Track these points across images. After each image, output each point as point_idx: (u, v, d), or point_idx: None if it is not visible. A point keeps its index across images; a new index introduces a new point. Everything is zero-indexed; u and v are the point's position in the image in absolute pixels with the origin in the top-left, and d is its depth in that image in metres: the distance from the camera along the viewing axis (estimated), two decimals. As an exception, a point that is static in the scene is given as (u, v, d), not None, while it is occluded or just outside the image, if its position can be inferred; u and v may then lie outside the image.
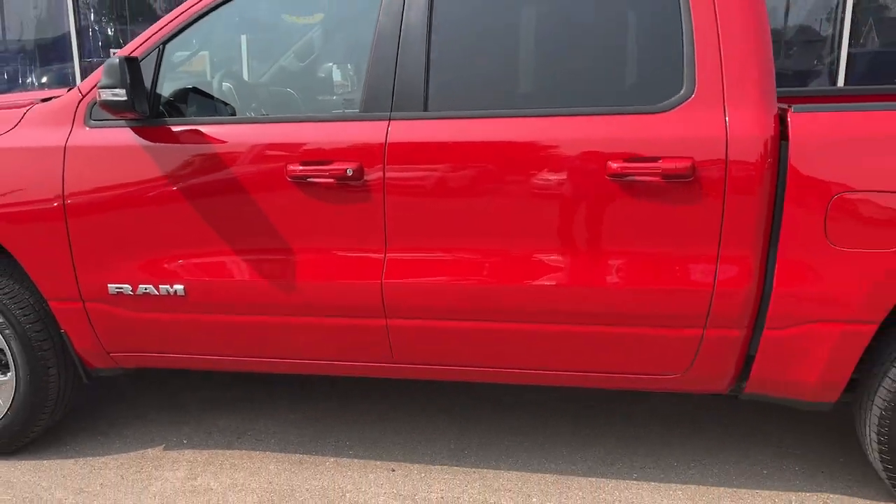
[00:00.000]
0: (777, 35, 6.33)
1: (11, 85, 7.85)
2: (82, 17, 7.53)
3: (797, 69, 6.55)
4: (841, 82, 6.34)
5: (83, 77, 7.50)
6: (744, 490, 2.74)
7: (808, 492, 2.73)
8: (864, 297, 2.36)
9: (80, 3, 7.48)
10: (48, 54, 7.81)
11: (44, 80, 7.57)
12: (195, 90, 2.97)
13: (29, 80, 7.85)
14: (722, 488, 2.75)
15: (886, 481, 2.56)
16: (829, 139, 2.36)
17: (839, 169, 2.33)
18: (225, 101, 3.05)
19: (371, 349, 2.73)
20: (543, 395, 3.48)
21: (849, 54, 6.33)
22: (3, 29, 7.98)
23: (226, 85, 3.09)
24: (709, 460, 2.94)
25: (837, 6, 6.33)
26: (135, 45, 2.73)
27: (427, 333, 2.66)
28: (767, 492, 2.73)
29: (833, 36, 6.36)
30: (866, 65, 6.40)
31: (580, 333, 2.57)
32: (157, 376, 3.66)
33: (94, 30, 7.55)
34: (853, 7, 6.21)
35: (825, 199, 2.33)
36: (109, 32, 7.61)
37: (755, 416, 3.24)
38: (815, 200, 2.34)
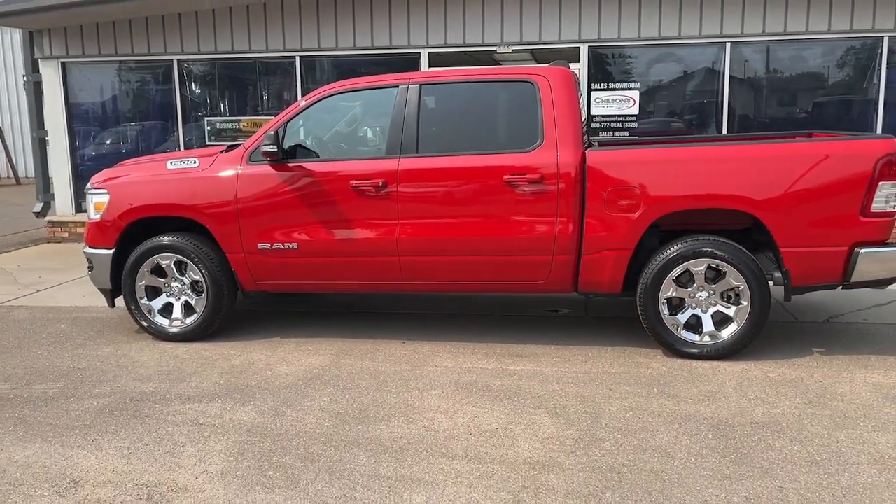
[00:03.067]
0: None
1: (149, 144, 10.71)
2: (185, 91, 10.41)
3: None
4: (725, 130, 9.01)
5: (184, 136, 10.39)
6: (555, 346, 5.32)
7: (613, 346, 5.30)
8: (622, 237, 4.97)
9: (183, 80, 10.36)
10: (157, 121, 10.69)
11: (188, 138, 10.37)
12: (299, 145, 5.65)
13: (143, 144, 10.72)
14: (553, 346, 5.33)
15: (648, 332, 5.11)
16: (604, 163, 5.00)
17: (609, 176, 4.97)
18: (313, 150, 5.73)
19: (391, 273, 5.36)
20: (466, 305, 6.09)
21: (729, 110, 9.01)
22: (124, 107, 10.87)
23: (313, 141, 5.78)
24: (557, 343, 5.53)
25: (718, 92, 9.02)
26: (273, 125, 5.44)
27: (417, 263, 5.30)
28: (587, 347, 5.31)
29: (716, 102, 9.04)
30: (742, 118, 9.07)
31: (494, 261, 5.19)
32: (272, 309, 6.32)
33: (195, 104, 10.40)
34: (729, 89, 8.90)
35: (604, 190, 4.96)
36: (205, 102, 10.45)
37: (589, 326, 5.80)
38: (599, 191, 4.97)
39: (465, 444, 3.77)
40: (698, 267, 4.94)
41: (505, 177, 5.06)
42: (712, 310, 5.01)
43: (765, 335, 5.35)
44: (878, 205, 4.74)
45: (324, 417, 4.14)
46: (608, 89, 9.36)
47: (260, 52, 10.02)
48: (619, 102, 9.36)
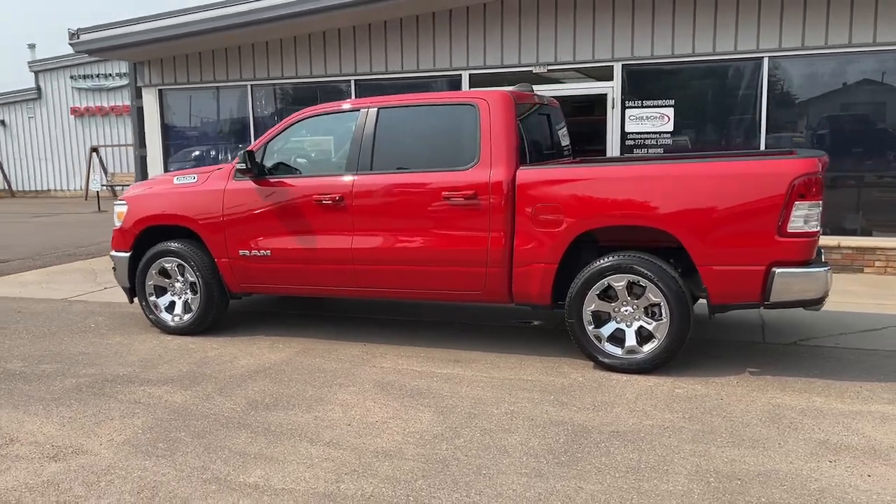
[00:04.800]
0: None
1: (228, 159, 11.91)
2: (257, 112, 11.47)
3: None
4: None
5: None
6: (496, 353, 5.57)
7: (553, 356, 5.50)
8: (548, 252, 5.20)
9: (255, 103, 11.42)
10: (234, 138, 11.83)
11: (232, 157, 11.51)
12: (281, 163, 6.28)
13: (222, 157, 11.89)
14: (494, 354, 5.60)
15: (574, 344, 5.28)
16: (531, 180, 5.25)
17: (536, 194, 5.22)
18: (288, 167, 6.31)
19: (347, 280, 5.86)
20: (415, 312, 6.44)
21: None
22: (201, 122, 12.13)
23: (289, 160, 6.36)
24: (501, 351, 5.78)
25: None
26: (255, 144, 6.13)
27: (369, 272, 5.77)
28: (526, 356, 5.54)
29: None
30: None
31: (435, 271, 5.57)
32: (255, 309, 7.00)
33: (265, 123, 11.43)
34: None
35: (531, 206, 5.22)
36: (274, 121, 11.46)
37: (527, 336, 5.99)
38: (527, 207, 5.24)
39: (336, 432, 4.20)
40: (619, 282, 5.08)
41: (444, 193, 5.44)
42: (636, 325, 5.12)
43: (711, 353, 5.39)
44: (795, 224, 4.69)
45: (241, 404, 4.71)
46: (642, 107, 9.39)
47: (319, 77, 10.88)
48: (653, 120, 9.37)
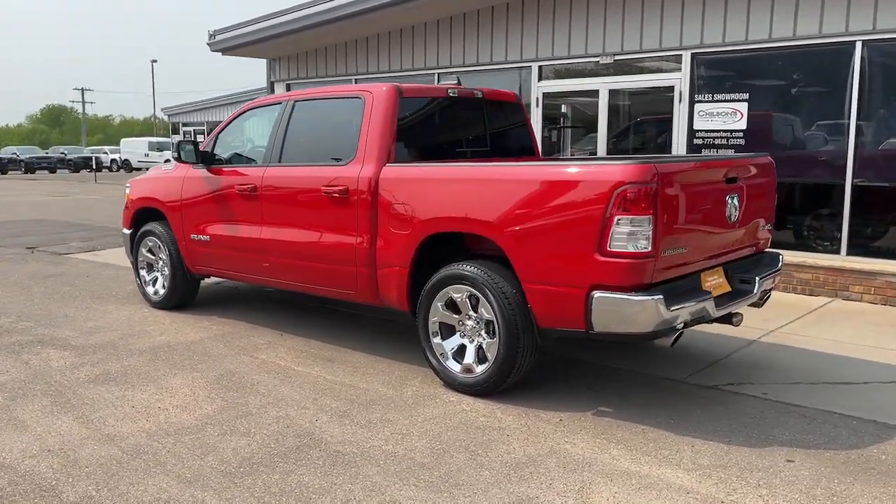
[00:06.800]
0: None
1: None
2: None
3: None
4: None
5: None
6: (364, 354, 5.29)
7: (413, 364, 5.16)
8: (400, 255, 4.89)
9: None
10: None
11: None
12: (234, 154, 6.54)
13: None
14: (363, 355, 5.34)
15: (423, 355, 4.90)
16: (389, 179, 4.96)
17: (392, 193, 4.93)
18: (232, 158, 6.48)
19: (262, 269, 5.98)
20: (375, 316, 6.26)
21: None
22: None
23: (232, 151, 6.55)
24: (376, 355, 5.51)
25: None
26: (207, 140, 6.48)
27: (277, 263, 5.83)
28: (391, 361, 5.25)
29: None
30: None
31: (319, 268, 5.48)
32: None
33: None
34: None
35: (388, 206, 4.94)
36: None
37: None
38: (385, 207, 4.97)
39: (111, 411, 4.38)
40: (459, 294, 4.63)
41: (323, 189, 5.34)
42: (478, 341, 4.64)
43: (593, 385, 4.77)
44: (617, 242, 3.92)
45: (94, 374, 5.08)
46: (712, 100, 8.25)
47: (408, 71, 11.03)
48: (724, 116, 8.19)
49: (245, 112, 6.38)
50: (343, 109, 5.52)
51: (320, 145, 5.67)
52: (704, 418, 4.26)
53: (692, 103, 8.37)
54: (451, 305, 4.72)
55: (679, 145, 8.48)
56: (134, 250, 7.23)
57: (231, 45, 12.40)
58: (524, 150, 6.24)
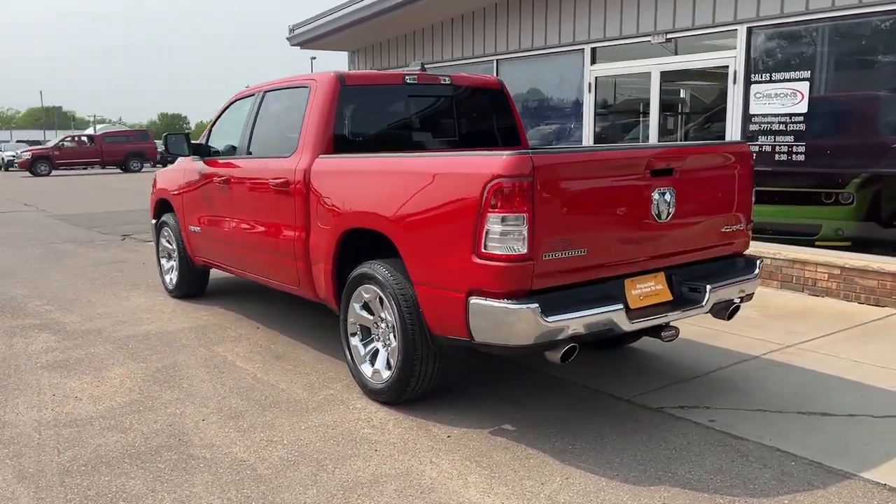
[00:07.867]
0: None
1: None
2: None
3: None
4: None
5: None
6: (316, 354, 5.08)
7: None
8: (325, 250, 4.66)
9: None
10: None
11: None
12: (228, 145, 6.56)
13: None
14: (315, 354, 5.14)
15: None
16: (317, 171, 4.74)
17: (316, 186, 4.71)
18: (220, 150, 6.45)
19: (234, 261, 5.97)
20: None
21: None
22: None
23: (221, 142, 6.49)
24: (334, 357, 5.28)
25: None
26: (204, 134, 6.54)
27: (244, 256, 5.78)
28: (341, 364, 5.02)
29: None
30: None
31: (271, 261, 5.37)
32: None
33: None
34: None
35: (316, 200, 4.73)
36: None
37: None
38: (314, 200, 4.76)
39: (41, 398, 4.50)
40: (368, 294, 4.34)
41: (269, 181, 5.21)
42: (390, 346, 4.32)
43: (518, 400, 4.37)
44: (491, 243, 3.47)
45: (59, 358, 5.27)
46: (770, 81, 7.30)
47: (469, 59, 10.69)
48: (782, 98, 7.22)
49: (234, 102, 6.39)
50: (294, 100, 5.34)
51: (277, 136, 5.53)
52: (614, 446, 3.71)
53: (747, 84, 7.44)
54: (367, 306, 4.44)
55: (733, 132, 7.58)
56: (156, 240, 7.49)
57: (310, 37, 12.60)
58: (507, 140, 5.78)
